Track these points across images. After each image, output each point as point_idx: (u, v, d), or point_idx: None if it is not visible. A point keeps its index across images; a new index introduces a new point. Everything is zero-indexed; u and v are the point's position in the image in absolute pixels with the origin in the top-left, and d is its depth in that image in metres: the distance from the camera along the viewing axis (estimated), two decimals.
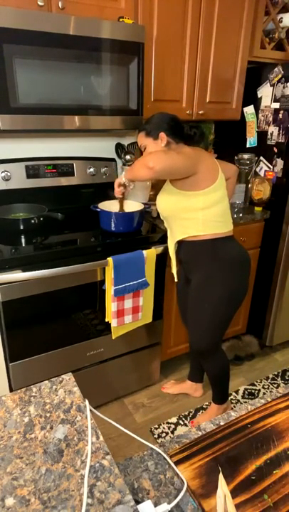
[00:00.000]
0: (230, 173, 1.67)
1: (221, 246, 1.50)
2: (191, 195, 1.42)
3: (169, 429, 1.86)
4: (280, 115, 1.98)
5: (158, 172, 1.31)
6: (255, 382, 2.18)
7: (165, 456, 0.70)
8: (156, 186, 2.05)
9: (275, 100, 2.00)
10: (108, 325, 1.75)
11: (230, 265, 1.51)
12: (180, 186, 1.43)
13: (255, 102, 2.11)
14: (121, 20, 1.57)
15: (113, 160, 2.08)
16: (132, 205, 1.82)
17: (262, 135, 2.12)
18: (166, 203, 1.51)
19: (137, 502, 0.61)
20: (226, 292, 1.52)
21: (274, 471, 0.67)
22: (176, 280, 1.78)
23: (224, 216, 1.50)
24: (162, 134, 1.45)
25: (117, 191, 1.59)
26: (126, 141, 2.13)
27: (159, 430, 1.85)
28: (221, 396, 1.83)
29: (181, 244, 1.59)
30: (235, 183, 1.80)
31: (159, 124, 1.46)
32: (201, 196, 1.42)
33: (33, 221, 1.66)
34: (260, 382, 2.19)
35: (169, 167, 1.32)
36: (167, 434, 1.83)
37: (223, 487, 0.63)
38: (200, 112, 1.97)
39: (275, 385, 2.17)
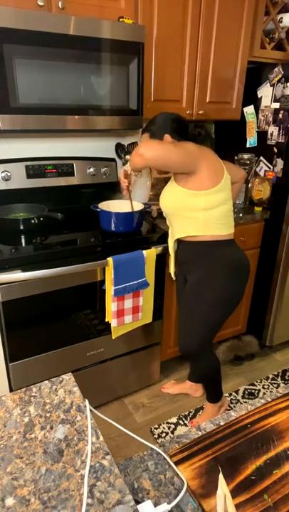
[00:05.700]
0: (237, 178, 1.66)
1: (220, 249, 1.50)
2: (193, 195, 1.42)
3: (169, 429, 1.86)
4: (280, 115, 1.98)
5: (149, 160, 1.33)
6: (255, 382, 2.18)
7: (165, 456, 0.70)
8: (157, 186, 2.05)
9: (275, 100, 2.00)
10: (108, 325, 1.75)
11: (227, 269, 1.50)
12: (183, 184, 1.43)
13: (255, 102, 2.11)
14: (121, 20, 1.57)
15: (113, 160, 2.08)
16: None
17: (262, 135, 2.12)
18: (169, 200, 1.51)
19: (137, 502, 0.61)
20: (220, 296, 1.51)
21: (274, 471, 0.67)
22: (173, 279, 1.78)
23: (226, 219, 1.49)
24: (167, 136, 1.45)
25: (123, 181, 1.57)
26: (126, 141, 2.13)
27: (159, 430, 1.85)
28: (213, 395, 1.83)
29: (180, 243, 1.58)
30: (241, 188, 1.79)
31: (163, 126, 1.46)
32: (203, 196, 1.41)
33: (33, 221, 1.67)
34: (260, 382, 2.19)
35: (160, 156, 1.32)
36: (167, 434, 1.83)
37: (223, 487, 0.63)
38: (200, 112, 1.97)
39: (275, 385, 2.17)
